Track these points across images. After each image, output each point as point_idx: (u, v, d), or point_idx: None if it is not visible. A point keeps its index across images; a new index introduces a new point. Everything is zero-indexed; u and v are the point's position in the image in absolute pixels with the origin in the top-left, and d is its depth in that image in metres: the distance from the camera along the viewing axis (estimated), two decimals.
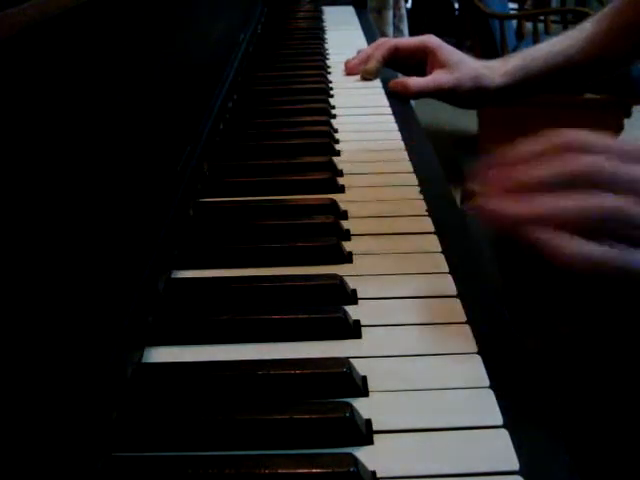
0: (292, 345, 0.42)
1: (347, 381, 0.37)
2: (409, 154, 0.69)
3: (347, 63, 0.98)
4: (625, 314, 0.61)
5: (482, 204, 0.39)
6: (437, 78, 0.84)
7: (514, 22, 2.55)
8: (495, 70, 0.84)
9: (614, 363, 0.59)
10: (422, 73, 0.88)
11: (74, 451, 0.31)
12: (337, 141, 0.73)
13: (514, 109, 2.33)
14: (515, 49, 2.29)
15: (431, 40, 0.88)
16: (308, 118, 0.78)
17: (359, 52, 0.98)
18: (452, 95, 0.85)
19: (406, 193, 0.61)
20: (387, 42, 0.92)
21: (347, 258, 0.51)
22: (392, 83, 0.88)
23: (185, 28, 0.66)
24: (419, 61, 0.88)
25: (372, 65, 0.92)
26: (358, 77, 0.95)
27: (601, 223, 0.37)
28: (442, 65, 0.84)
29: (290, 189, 0.61)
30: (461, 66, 0.84)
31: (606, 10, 0.81)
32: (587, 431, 0.56)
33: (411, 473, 0.33)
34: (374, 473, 0.33)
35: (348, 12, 1.45)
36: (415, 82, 0.85)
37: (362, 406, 0.36)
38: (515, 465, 0.33)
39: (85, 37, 0.39)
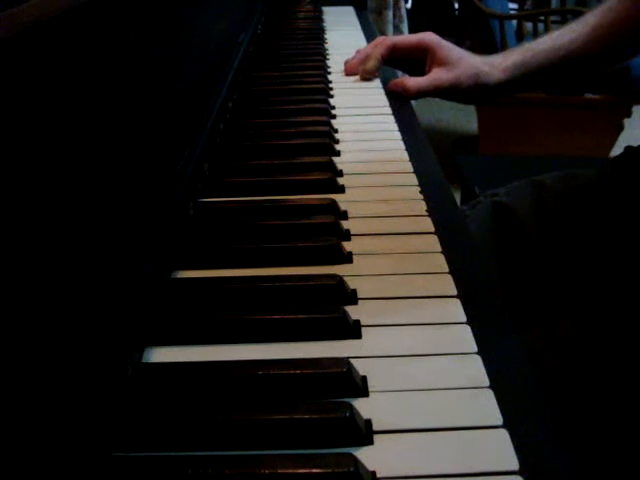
0: (292, 345, 0.42)
1: (347, 381, 0.37)
2: (409, 154, 0.69)
3: (346, 63, 0.98)
4: (624, 313, 0.61)
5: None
6: (436, 77, 0.84)
7: (514, 22, 2.55)
8: (495, 66, 0.84)
9: (614, 363, 0.59)
10: (422, 70, 0.88)
11: (74, 451, 0.31)
12: (337, 141, 0.73)
13: (514, 109, 2.33)
14: None
15: (429, 37, 0.87)
16: (308, 118, 0.78)
17: (358, 52, 0.98)
18: (452, 92, 0.85)
19: (406, 193, 0.61)
20: (385, 40, 0.92)
21: (347, 258, 0.51)
22: (391, 84, 0.88)
23: (186, 28, 0.66)
24: (418, 59, 0.88)
25: (371, 64, 0.92)
26: (358, 77, 0.95)
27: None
28: (441, 63, 0.84)
29: (290, 189, 0.61)
30: (460, 63, 0.83)
31: (610, 2, 0.81)
32: (587, 431, 0.56)
33: (411, 473, 0.33)
34: (374, 473, 0.33)
35: (348, 12, 1.45)
36: (414, 82, 0.85)
37: (362, 406, 0.36)
38: (515, 465, 0.33)
39: (85, 37, 0.39)
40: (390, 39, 0.92)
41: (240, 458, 0.33)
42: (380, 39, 0.94)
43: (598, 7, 0.82)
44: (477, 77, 0.83)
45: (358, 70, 0.94)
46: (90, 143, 0.39)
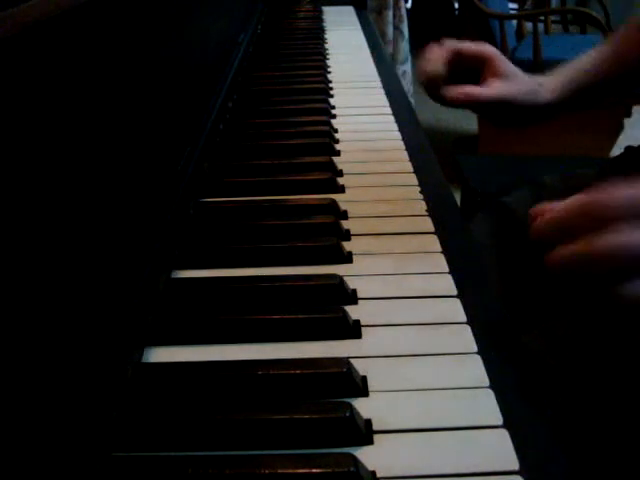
0: (292, 345, 0.42)
1: (347, 381, 0.37)
2: (409, 154, 0.69)
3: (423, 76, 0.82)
4: (624, 313, 0.61)
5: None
6: (499, 88, 0.77)
7: (514, 22, 2.55)
8: (545, 86, 0.79)
9: (613, 362, 0.59)
10: (471, 80, 0.80)
11: (74, 451, 0.31)
12: (337, 141, 0.73)
13: None
14: (515, 49, 2.29)
15: (489, 48, 0.81)
16: (308, 118, 0.78)
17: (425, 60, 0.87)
18: (504, 107, 0.78)
19: (406, 193, 0.61)
20: (449, 45, 0.82)
21: (347, 258, 0.51)
22: (454, 93, 0.77)
23: (186, 28, 0.66)
24: (473, 68, 0.81)
25: (435, 68, 0.79)
26: (358, 77, 0.95)
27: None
28: (499, 75, 0.78)
29: (290, 189, 0.61)
30: (517, 79, 0.78)
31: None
32: (587, 431, 0.56)
33: (411, 473, 0.33)
34: (374, 473, 0.33)
35: (348, 12, 1.45)
36: (481, 90, 0.77)
37: (362, 406, 0.36)
38: (515, 465, 0.33)
39: (85, 37, 0.39)
40: (453, 44, 0.82)
41: (240, 458, 0.34)
42: (443, 44, 0.86)
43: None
44: (535, 94, 0.79)
45: (425, 76, 0.80)
46: (90, 143, 0.39)
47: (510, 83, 0.79)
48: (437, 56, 0.83)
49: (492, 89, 0.78)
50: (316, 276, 0.47)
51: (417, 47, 0.89)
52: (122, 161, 0.44)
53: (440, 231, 0.54)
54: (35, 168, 0.32)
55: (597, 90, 0.80)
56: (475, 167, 1.38)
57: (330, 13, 1.44)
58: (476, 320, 0.43)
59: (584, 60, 0.81)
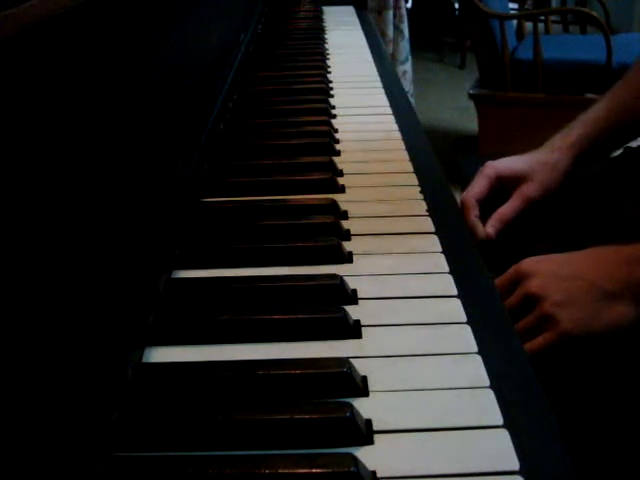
0: (292, 345, 0.42)
1: (347, 381, 0.37)
2: (409, 154, 0.69)
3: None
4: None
5: None
6: (519, 196, 0.74)
7: (514, 22, 2.55)
8: (557, 146, 0.76)
9: (614, 362, 0.59)
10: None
11: (75, 451, 0.31)
12: (337, 141, 0.73)
13: (514, 109, 2.33)
14: (515, 49, 2.29)
15: (489, 171, 0.76)
16: (308, 118, 0.78)
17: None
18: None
19: (406, 193, 0.61)
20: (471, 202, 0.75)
21: (347, 258, 0.51)
22: (489, 231, 0.73)
23: (186, 29, 0.66)
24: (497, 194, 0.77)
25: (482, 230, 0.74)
26: (358, 77, 0.95)
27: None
28: (513, 184, 0.76)
29: (290, 189, 0.61)
30: (532, 173, 0.75)
31: None
32: (587, 431, 0.56)
33: (411, 473, 0.33)
34: (374, 473, 0.33)
35: (348, 12, 1.45)
36: (505, 210, 0.73)
37: (362, 406, 0.36)
38: (515, 465, 0.33)
39: (85, 37, 0.39)
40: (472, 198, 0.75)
41: (240, 458, 0.34)
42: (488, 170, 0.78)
43: None
44: (552, 168, 0.74)
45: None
46: (90, 144, 0.39)
47: (527, 185, 0.74)
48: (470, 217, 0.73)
49: (514, 201, 0.74)
50: (316, 276, 0.47)
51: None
52: (122, 161, 0.44)
53: (440, 231, 0.54)
54: (35, 168, 0.32)
55: (617, 138, 0.78)
56: (475, 167, 1.37)
57: (330, 13, 1.44)
58: (476, 320, 0.43)
59: (597, 110, 0.77)
